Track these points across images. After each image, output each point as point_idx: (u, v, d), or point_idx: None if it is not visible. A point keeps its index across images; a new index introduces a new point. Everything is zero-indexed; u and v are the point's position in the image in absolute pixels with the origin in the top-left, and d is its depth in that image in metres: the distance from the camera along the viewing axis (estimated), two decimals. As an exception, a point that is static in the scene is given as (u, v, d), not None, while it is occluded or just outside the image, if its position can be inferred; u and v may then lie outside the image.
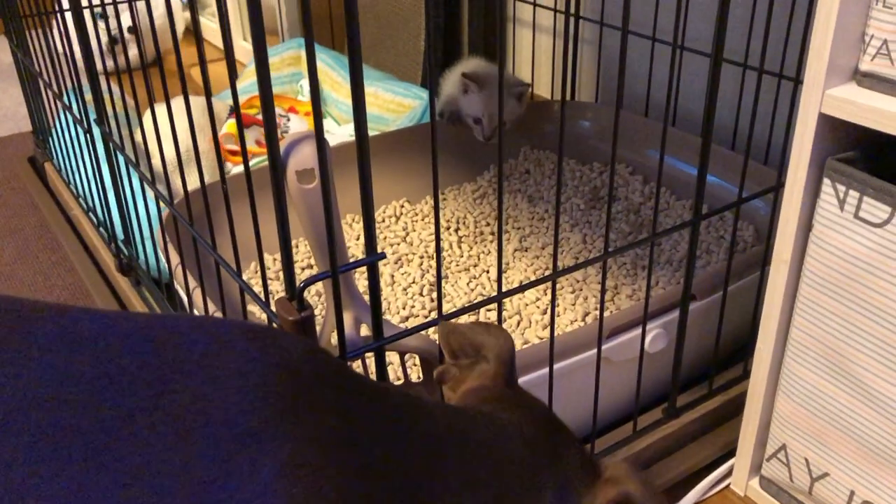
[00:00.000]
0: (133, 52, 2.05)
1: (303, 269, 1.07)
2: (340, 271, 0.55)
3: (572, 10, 1.36)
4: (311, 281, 0.55)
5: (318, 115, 0.51)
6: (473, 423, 0.43)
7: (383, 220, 1.19)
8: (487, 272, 1.06)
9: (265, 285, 0.64)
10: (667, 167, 1.24)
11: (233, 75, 0.55)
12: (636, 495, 0.45)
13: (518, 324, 0.96)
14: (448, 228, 1.15)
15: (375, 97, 1.48)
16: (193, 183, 1.32)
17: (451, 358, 0.53)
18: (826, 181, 0.67)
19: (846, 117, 0.63)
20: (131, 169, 0.92)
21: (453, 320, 0.60)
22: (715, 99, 0.71)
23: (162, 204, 0.84)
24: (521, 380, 0.54)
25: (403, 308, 0.99)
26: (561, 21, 1.47)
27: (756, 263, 0.89)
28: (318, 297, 1.01)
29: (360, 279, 1.00)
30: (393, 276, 1.05)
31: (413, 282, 1.04)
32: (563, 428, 0.48)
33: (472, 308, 0.64)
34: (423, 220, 1.19)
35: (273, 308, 0.57)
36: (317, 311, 0.95)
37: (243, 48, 2.12)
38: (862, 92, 0.63)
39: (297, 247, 1.12)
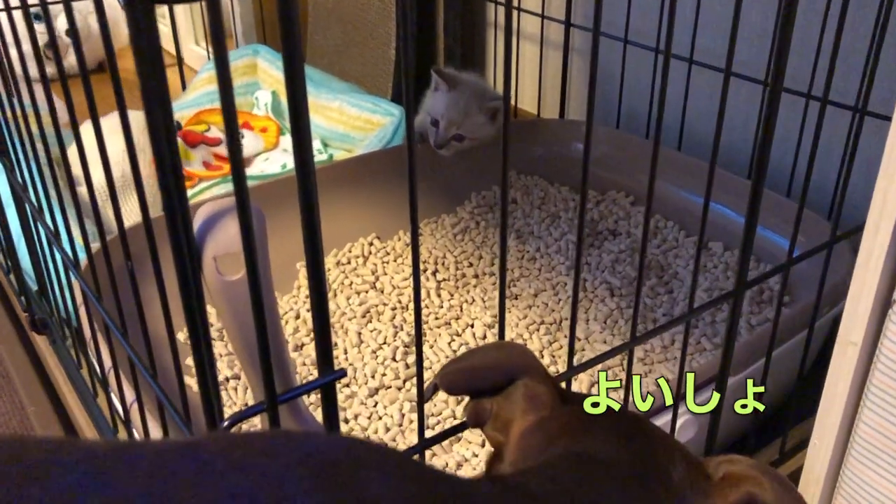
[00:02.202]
0: (73, 57, 1.86)
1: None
2: (280, 401, 0.39)
3: (558, 17, 1.20)
4: (239, 418, 0.39)
5: (238, 177, 0.34)
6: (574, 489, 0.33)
7: (349, 262, 1.02)
8: (472, 326, 0.90)
9: (185, 404, 0.47)
10: (673, 198, 1.11)
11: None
12: (765, 494, 0.36)
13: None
14: (425, 271, 0.99)
15: (340, 113, 1.31)
16: (131, 214, 1.15)
17: (474, 397, 0.42)
18: (917, 249, 0.52)
19: (949, 169, 0.48)
20: (40, 219, 0.75)
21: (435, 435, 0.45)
22: (770, 140, 0.55)
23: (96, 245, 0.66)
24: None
25: (372, 377, 0.82)
26: (548, 28, 1.31)
27: (797, 327, 0.74)
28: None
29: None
30: (360, 335, 0.89)
31: (384, 342, 0.87)
32: (651, 430, 0.39)
33: (464, 428, 0.48)
34: (395, 260, 1.02)
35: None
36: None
37: (195, 53, 1.94)
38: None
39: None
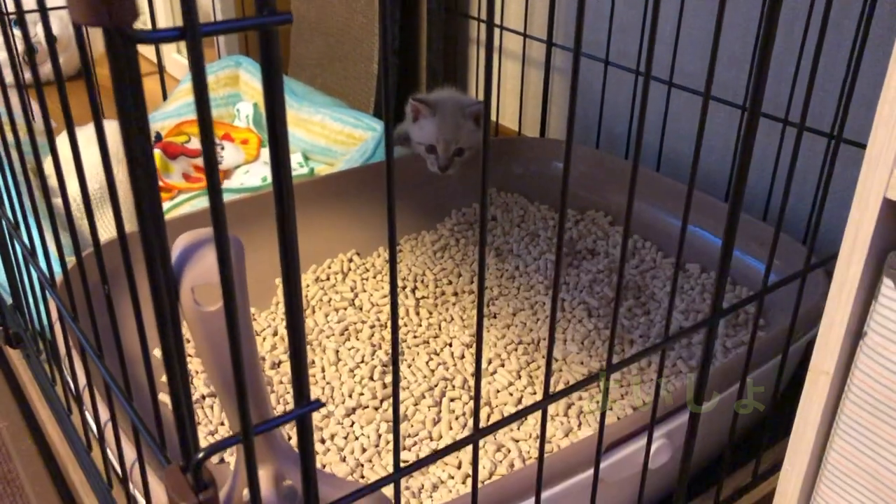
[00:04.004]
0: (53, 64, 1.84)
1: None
2: (256, 433, 0.39)
3: (540, 36, 1.21)
4: (213, 450, 0.39)
5: (217, 212, 0.34)
6: None
7: (328, 278, 1.02)
8: (450, 346, 0.90)
9: (159, 426, 0.47)
10: (651, 219, 1.11)
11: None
12: None
13: (488, 417, 0.80)
14: (404, 289, 0.99)
15: (322, 127, 1.31)
16: (110, 225, 1.14)
17: None
18: (887, 282, 0.53)
19: (920, 205, 0.49)
20: (16, 233, 0.74)
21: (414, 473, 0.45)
22: (747, 166, 0.56)
23: (75, 257, 0.66)
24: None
25: (349, 396, 0.82)
26: (530, 47, 1.32)
27: (771, 351, 0.75)
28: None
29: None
30: (338, 353, 0.88)
31: (362, 361, 0.87)
32: None
33: (441, 455, 0.48)
34: (374, 277, 1.02)
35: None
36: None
37: (176, 62, 1.93)
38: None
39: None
